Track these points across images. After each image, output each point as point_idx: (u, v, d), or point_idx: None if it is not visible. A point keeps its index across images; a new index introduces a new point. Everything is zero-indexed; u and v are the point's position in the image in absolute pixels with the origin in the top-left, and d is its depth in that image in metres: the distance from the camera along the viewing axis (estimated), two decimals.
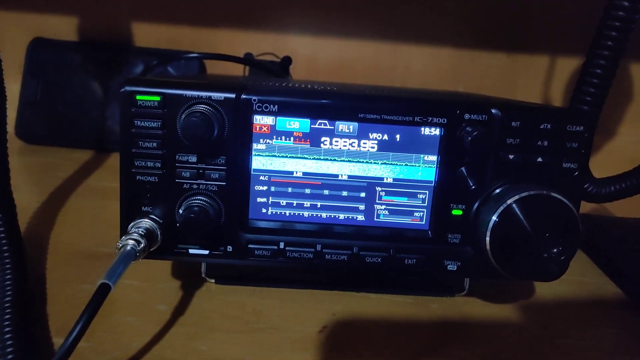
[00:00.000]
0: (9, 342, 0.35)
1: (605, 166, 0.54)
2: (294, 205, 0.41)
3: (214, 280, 0.46)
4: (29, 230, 0.54)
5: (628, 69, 0.87)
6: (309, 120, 0.39)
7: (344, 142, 0.40)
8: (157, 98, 0.37)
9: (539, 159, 0.40)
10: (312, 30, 0.88)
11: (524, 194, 0.38)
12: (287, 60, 0.80)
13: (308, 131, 0.40)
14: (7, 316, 0.37)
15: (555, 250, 0.37)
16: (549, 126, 0.39)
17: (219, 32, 0.88)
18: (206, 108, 0.37)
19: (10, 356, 0.34)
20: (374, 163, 0.41)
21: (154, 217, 0.39)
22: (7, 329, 0.36)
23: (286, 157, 0.40)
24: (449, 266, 0.42)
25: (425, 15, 0.87)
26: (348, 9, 0.87)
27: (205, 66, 0.87)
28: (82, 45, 0.86)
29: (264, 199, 0.41)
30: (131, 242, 0.36)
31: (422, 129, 0.40)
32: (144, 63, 0.84)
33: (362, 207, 0.41)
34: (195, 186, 0.39)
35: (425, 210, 0.41)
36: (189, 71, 0.84)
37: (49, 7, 0.86)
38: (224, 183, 0.39)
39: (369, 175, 0.41)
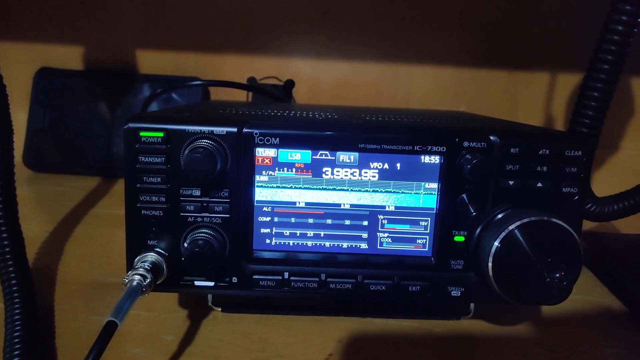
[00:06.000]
0: None
1: (610, 180, 0.54)
2: (298, 235, 0.42)
3: (220, 309, 0.46)
4: (37, 260, 0.54)
5: (632, 83, 0.87)
6: (310, 151, 0.40)
7: (345, 171, 0.41)
8: (161, 134, 0.38)
9: (539, 184, 0.40)
10: (314, 53, 0.89)
11: (525, 220, 0.38)
12: (290, 84, 0.81)
13: (309, 162, 0.40)
14: (17, 352, 0.38)
15: (557, 275, 0.37)
16: (547, 152, 0.39)
17: (222, 57, 0.89)
18: (209, 143, 0.38)
19: None
20: (376, 192, 0.41)
21: (159, 250, 0.40)
22: None
23: (289, 187, 0.41)
24: (452, 292, 0.42)
25: (426, 36, 0.88)
26: (349, 31, 0.88)
27: (209, 91, 0.88)
28: (88, 73, 0.88)
29: (268, 230, 0.42)
30: (137, 277, 0.36)
31: (422, 157, 0.40)
32: (149, 89, 0.85)
33: (365, 235, 0.42)
34: (199, 219, 0.40)
35: (427, 237, 0.42)
36: (193, 97, 0.85)
37: (55, 37, 0.88)
38: (228, 215, 0.40)
39: (370, 203, 0.41)
